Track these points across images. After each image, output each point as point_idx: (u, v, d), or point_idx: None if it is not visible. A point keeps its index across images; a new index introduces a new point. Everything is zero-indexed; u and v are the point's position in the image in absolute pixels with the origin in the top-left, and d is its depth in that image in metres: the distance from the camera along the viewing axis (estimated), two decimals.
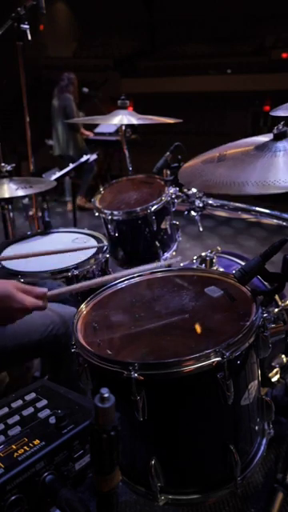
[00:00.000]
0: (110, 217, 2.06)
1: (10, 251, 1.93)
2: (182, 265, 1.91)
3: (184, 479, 1.09)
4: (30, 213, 3.42)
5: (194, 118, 8.97)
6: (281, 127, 1.22)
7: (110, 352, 1.17)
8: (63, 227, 2.15)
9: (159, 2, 10.96)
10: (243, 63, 9.87)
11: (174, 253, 2.18)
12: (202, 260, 1.88)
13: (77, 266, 1.66)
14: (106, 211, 2.07)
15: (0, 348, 1.42)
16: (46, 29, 10.20)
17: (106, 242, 1.89)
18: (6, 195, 2.04)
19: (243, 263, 1.63)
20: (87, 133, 6.18)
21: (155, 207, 2.02)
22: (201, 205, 2.17)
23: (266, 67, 9.59)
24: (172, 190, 2.10)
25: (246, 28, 10.34)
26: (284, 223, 2.02)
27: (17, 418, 0.97)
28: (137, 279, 1.42)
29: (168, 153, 2.21)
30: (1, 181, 2.08)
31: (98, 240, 1.94)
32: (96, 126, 6.48)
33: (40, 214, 3.07)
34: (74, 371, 1.13)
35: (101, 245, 1.82)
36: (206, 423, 1.06)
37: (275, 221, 2.09)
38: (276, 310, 1.40)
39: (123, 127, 2.96)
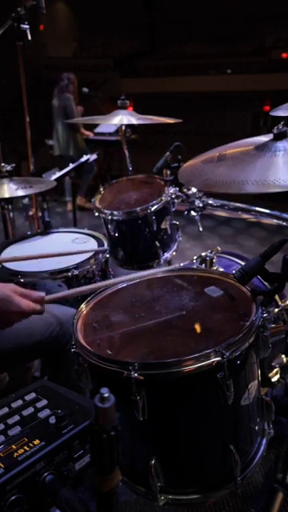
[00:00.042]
0: (110, 217, 2.06)
1: (10, 251, 1.93)
2: (181, 265, 1.91)
3: (184, 479, 1.09)
4: (30, 213, 3.42)
5: (193, 118, 8.98)
6: (281, 127, 1.22)
7: (109, 352, 1.17)
8: (63, 227, 2.15)
9: (159, 2, 10.96)
10: (243, 63, 9.87)
11: (174, 253, 2.18)
12: (202, 260, 1.88)
13: (77, 266, 1.65)
14: (106, 211, 2.07)
15: (0, 349, 1.42)
16: (45, 29, 10.20)
17: (106, 242, 1.89)
18: (6, 195, 2.04)
19: (243, 263, 1.63)
20: (87, 133, 6.18)
21: (155, 207, 2.02)
22: (201, 205, 2.17)
23: (266, 67, 9.59)
24: (172, 189, 2.10)
25: (246, 28, 10.34)
26: (284, 223, 2.02)
27: (17, 417, 0.97)
28: (137, 279, 1.42)
29: (168, 153, 2.21)
30: (1, 181, 2.08)
31: (98, 240, 1.95)
32: (96, 125, 6.48)
33: (40, 213, 3.07)
34: (74, 372, 1.13)
35: (100, 249, 1.81)
36: (206, 423, 1.06)
37: (275, 221, 2.09)
38: (276, 310, 1.40)
39: (123, 127, 2.96)
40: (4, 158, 2.48)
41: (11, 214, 2.55)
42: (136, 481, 1.10)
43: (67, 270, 1.64)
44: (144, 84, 9.99)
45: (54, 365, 1.59)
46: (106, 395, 0.70)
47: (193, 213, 2.20)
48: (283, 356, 1.75)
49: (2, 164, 2.18)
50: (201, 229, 2.24)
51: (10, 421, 0.96)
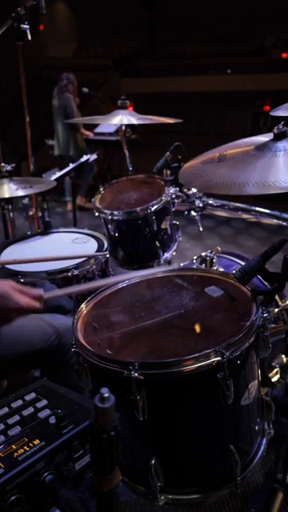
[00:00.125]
0: (110, 217, 2.06)
1: (10, 251, 1.93)
2: (182, 265, 1.91)
3: (184, 479, 1.09)
4: (30, 213, 3.42)
5: (193, 118, 8.98)
6: (281, 127, 1.22)
7: (109, 351, 1.17)
8: (63, 227, 2.15)
9: (159, 2, 10.97)
10: (243, 63, 9.88)
11: (174, 253, 2.18)
12: (202, 260, 1.88)
13: (77, 266, 1.65)
14: (106, 211, 2.07)
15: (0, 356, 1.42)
16: (46, 29, 10.22)
17: (106, 242, 1.89)
18: (6, 195, 2.04)
19: (243, 263, 1.64)
20: (87, 133, 6.18)
21: (155, 207, 2.02)
22: (201, 205, 2.17)
23: (266, 67, 9.60)
24: (172, 189, 2.10)
25: (246, 28, 10.35)
26: (284, 223, 2.02)
27: (17, 417, 0.97)
28: (137, 279, 1.42)
29: (168, 153, 2.21)
30: (1, 181, 2.08)
31: (98, 240, 1.94)
32: (96, 125, 6.48)
33: (40, 213, 3.07)
34: (74, 372, 1.13)
35: (100, 253, 1.80)
36: (206, 423, 1.06)
37: (275, 221, 2.09)
38: (276, 309, 1.40)
39: (123, 127, 2.96)
40: (4, 158, 2.48)
41: (11, 214, 2.55)
42: (136, 481, 1.10)
43: (67, 270, 1.64)
44: (144, 84, 10.00)
45: (54, 375, 1.58)
46: (106, 395, 0.70)
47: (193, 213, 2.20)
48: (283, 356, 1.75)
49: (2, 164, 2.18)
50: (201, 229, 2.24)
51: (10, 421, 0.97)
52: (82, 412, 0.97)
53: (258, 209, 2.15)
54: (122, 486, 1.03)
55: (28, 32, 2.46)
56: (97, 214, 2.14)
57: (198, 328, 1.24)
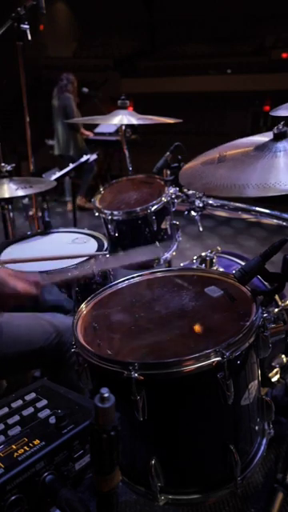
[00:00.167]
0: (110, 217, 2.06)
1: (10, 251, 1.93)
2: (182, 265, 1.91)
3: (184, 479, 1.09)
4: (30, 213, 3.42)
5: (193, 118, 8.97)
6: (281, 127, 1.22)
7: (109, 352, 1.17)
8: (63, 227, 2.15)
9: (159, 2, 10.95)
10: (243, 63, 9.86)
11: (174, 253, 2.18)
12: (202, 260, 1.88)
13: (77, 266, 1.65)
14: (106, 211, 2.07)
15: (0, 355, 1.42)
16: (46, 29, 10.20)
17: (106, 242, 1.89)
18: (6, 195, 2.04)
19: (243, 263, 1.63)
20: (87, 133, 6.18)
21: (155, 207, 2.02)
22: (201, 205, 2.17)
23: (266, 67, 9.59)
24: (172, 189, 2.10)
25: (246, 28, 10.34)
26: (284, 223, 2.02)
27: (17, 417, 0.97)
28: (137, 279, 1.42)
29: (168, 153, 2.21)
30: (1, 181, 2.08)
31: (98, 240, 1.94)
32: (96, 125, 6.48)
33: (40, 213, 3.07)
34: (74, 372, 1.13)
35: (100, 253, 1.80)
36: (206, 423, 1.06)
37: (275, 221, 2.09)
38: (276, 310, 1.40)
39: (123, 127, 2.97)
40: (4, 158, 2.48)
41: (11, 214, 2.55)
42: (136, 481, 1.10)
43: (67, 269, 1.63)
44: (144, 84, 9.98)
45: (54, 375, 1.58)
46: (106, 395, 0.70)
47: (193, 213, 2.20)
48: (283, 356, 1.75)
49: (2, 164, 2.19)
50: (201, 229, 2.24)
51: (10, 421, 0.97)
52: (81, 412, 0.97)
53: (257, 209, 2.15)
54: (122, 486, 1.03)
55: (28, 32, 2.46)
56: (97, 213, 2.14)
57: (197, 328, 1.24)
